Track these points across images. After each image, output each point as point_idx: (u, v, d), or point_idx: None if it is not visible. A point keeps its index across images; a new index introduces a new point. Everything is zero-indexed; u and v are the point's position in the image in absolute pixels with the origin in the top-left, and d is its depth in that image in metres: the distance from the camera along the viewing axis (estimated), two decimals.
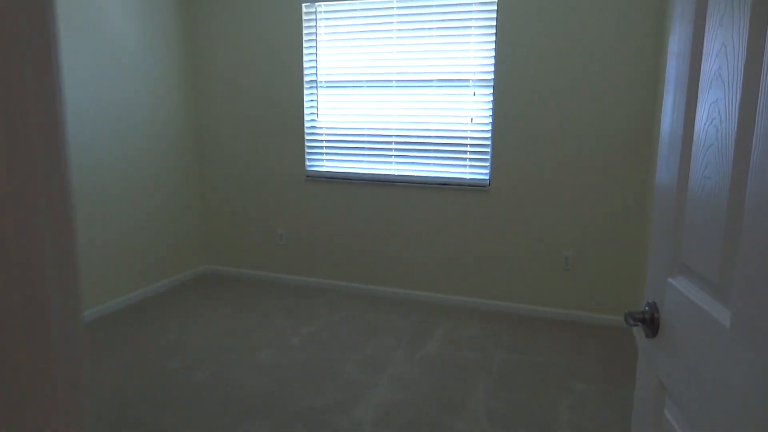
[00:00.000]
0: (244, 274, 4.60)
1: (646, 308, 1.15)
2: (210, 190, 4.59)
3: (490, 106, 3.74)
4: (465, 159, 3.87)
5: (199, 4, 4.31)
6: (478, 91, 3.75)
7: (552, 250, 3.74)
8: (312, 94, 4.17)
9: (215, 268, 4.69)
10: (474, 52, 3.71)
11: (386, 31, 3.88)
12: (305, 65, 4.12)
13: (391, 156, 4.04)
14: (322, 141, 4.21)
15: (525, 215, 3.77)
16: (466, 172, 3.88)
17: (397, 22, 3.85)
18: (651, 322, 1.13)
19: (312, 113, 4.20)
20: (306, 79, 4.14)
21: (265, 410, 2.59)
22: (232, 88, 4.35)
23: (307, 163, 4.27)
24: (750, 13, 0.77)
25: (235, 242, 4.60)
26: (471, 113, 3.80)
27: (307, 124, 4.21)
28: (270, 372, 2.96)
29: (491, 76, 3.70)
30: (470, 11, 3.67)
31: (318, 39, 4.07)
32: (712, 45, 0.91)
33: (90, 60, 3.50)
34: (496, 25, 3.61)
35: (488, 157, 3.80)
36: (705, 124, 0.92)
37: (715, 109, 0.88)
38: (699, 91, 0.96)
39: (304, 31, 4.08)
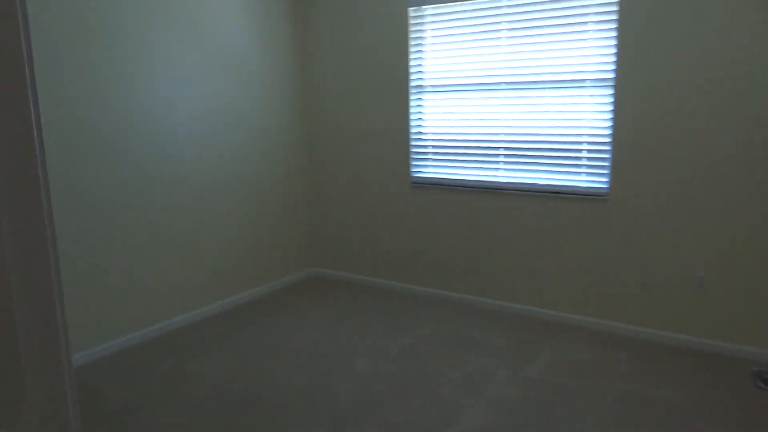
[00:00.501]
0: (349, 278, 4.64)
1: None
2: (318, 195, 4.69)
3: (610, 108, 3.40)
4: (580, 166, 3.56)
5: (308, 12, 4.42)
6: (596, 91, 3.43)
7: (681, 269, 3.31)
8: (418, 99, 4.09)
9: (322, 272, 4.79)
10: (591, 50, 3.40)
11: (495, 31, 3.69)
12: (411, 70, 4.06)
13: (499, 162, 3.84)
14: (427, 146, 4.11)
15: (649, 228, 3.37)
16: (581, 180, 3.57)
17: (507, 22, 3.64)
18: None
19: (418, 118, 4.12)
20: (412, 84, 4.08)
21: (354, 422, 2.55)
22: (340, 93, 4.41)
23: (413, 169, 4.20)
24: None
25: (341, 247, 4.66)
26: (587, 115, 3.49)
27: (412, 130, 4.14)
28: (365, 382, 2.92)
29: (611, 75, 3.37)
30: (587, 5, 3.37)
31: (424, 43, 3.99)
32: None
33: (206, 68, 3.72)
34: (618, 19, 3.27)
35: (607, 163, 3.47)
36: None
37: None
38: None
39: (411, 35, 4.02)
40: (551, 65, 3.53)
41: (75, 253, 3.06)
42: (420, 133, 4.13)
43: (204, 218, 3.80)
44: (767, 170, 3.01)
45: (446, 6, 3.83)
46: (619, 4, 3.26)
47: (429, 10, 3.91)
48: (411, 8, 3.96)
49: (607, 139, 3.44)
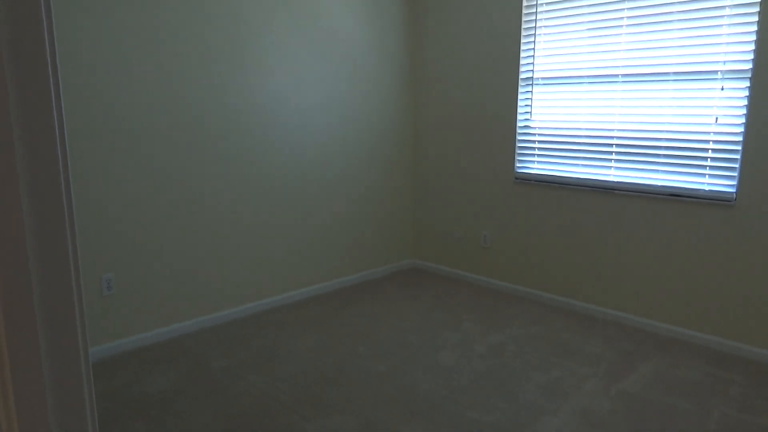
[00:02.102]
0: (447, 272, 4.62)
1: None
2: (422, 188, 4.72)
3: (744, 102, 3.03)
4: (704, 167, 3.22)
5: (421, 3, 4.43)
6: (728, 84, 3.07)
7: None
8: (527, 92, 3.94)
9: (421, 264, 4.82)
10: (726, 37, 3.04)
11: (615, 19, 3.44)
12: (522, 62, 3.92)
13: (611, 160, 3.59)
14: (534, 141, 3.96)
15: None
16: (704, 182, 3.22)
17: (628, 9, 3.37)
18: None
19: (526, 112, 3.98)
20: (522, 76, 3.94)
21: (430, 415, 2.55)
22: (448, 85, 4.38)
23: (517, 164, 4.06)
24: None
25: (441, 240, 4.65)
26: (716, 111, 3.13)
27: (519, 124, 4.00)
28: (446, 376, 2.91)
29: (749, 66, 2.99)
30: None
31: (537, 34, 3.83)
32: None
33: (317, 61, 3.89)
34: (762, 1, 2.89)
35: (736, 165, 3.09)
36: None
37: None
38: None
39: (523, 26, 3.87)
40: (677, 55, 3.22)
41: (199, 235, 3.38)
42: (527, 127, 3.98)
43: (309, 208, 4.00)
44: None
45: None
46: None
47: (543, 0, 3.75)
48: None
49: (739, 138, 3.07)
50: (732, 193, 3.12)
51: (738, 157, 3.08)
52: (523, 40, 3.89)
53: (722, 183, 3.16)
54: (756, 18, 2.93)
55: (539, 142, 3.93)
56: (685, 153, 3.27)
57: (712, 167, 3.19)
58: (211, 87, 3.35)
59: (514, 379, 2.88)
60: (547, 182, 3.89)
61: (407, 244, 4.83)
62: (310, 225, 4.03)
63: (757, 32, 2.92)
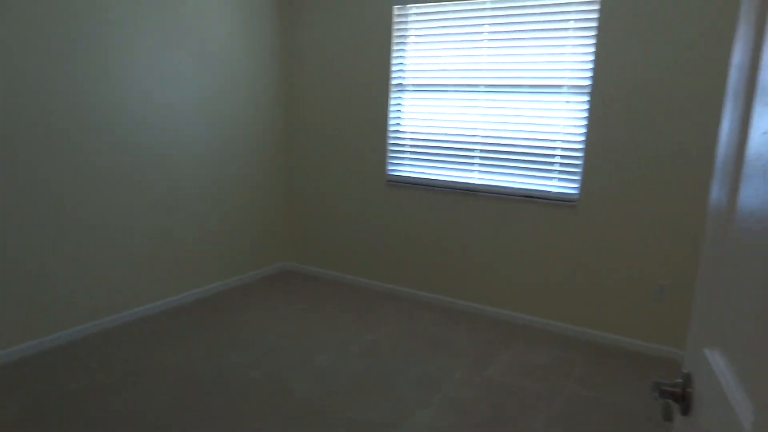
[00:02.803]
0: (321, 274, 4.65)
1: (680, 380, 0.92)
2: (295, 189, 4.69)
3: (585, 114, 3.42)
4: (553, 171, 3.58)
5: (294, 9, 4.40)
6: (573, 98, 3.45)
7: (645, 278, 3.34)
8: (398, 97, 4.09)
9: (295, 266, 4.79)
10: (570, 56, 3.42)
11: (477, 33, 3.70)
12: (392, 68, 4.06)
13: (474, 164, 3.85)
14: (405, 145, 4.12)
15: (616, 236, 3.40)
16: (553, 185, 3.59)
17: (489, 24, 3.65)
18: (682, 399, 0.90)
19: (397, 117, 4.13)
20: (393, 82, 4.08)
21: (309, 419, 2.56)
22: (321, 90, 4.40)
23: (389, 167, 4.20)
24: None
25: (315, 241, 4.66)
26: (562, 122, 3.50)
27: (391, 128, 4.14)
28: (323, 378, 2.93)
29: (588, 83, 3.38)
30: (569, 11, 3.38)
31: (407, 42, 3.99)
32: None
33: (189, 64, 3.70)
34: (598, 27, 3.29)
35: (579, 170, 3.49)
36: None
37: None
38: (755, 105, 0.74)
39: (394, 33, 4.01)
40: (530, 69, 3.55)
41: (50, 237, 3.04)
42: (398, 131, 4.14)
43: (176, 212, 3.79)
44: None
45: (430, 6, 3.83)
46: (599, 11, 3.27)
47: (413, 9, 3.91)
48: (395, 6, 3.96)
49: (581, 146, 3.46)
50: (576, 194, 3.51)
51: (580, 162, 3.47)
52: (393, 48, 4.03)
53: (568, 186, 3.55)
54: (594, 41, 3.32)
55: (410, 146, 4.10)
56: (537, 159, 3.61)
57: (559, 171, 3.56)
58: (67, 83, 3.04)
59: (390, 376, 2.98)
60: (417, 184, 4.07)
61: (281, 246, 4.77)
62: (177, 230, 3.83)
63: (595, 53, 3.32)
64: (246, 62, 4.15)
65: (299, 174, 4.65)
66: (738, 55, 0.84)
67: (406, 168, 4.14)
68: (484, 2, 3.63)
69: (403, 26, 3.99)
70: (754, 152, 0.71)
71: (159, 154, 3.62)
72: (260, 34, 4.24)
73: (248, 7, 4.10)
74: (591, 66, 3.35)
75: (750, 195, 0.71)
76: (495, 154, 3.76)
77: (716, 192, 0.89)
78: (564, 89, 3.47)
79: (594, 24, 3.30)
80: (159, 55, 3.51)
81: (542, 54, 3.50)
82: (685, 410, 0.89)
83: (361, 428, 2.49)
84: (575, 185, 3.52)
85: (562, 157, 3.54)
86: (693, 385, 0.88)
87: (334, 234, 4.54)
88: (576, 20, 3.36)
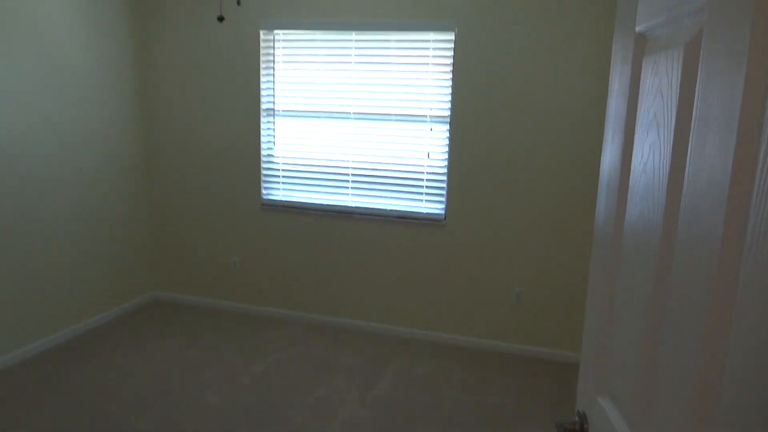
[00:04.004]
0: (196, 302, 4.50)
1: (576, 419, 1.16)
2: (160, 216, 4.47)
3: (446, 142, 3.77)
4: (422, 193, 3.88)
5: (153, 27, 4.19)
6: (435, 126, 3.78)
7: (503, 286, 3.79)
8: (269, 122, 4.11)
9: (165, 296, 4.57)
10: (431, 89, 3.73)
11: (345, 63, 3.86)
12: (262, 93, 4.06)
13: (348, 187, 4.02)
14: (278, 170, 4.15)
15: (478, 251, 3.81)
16: (422, 207, 3.90)
17: (356, 55, 3.83)
18: None
19: (269, 141, 4.14)
20: (263, 107, 4.09)
21: None
22: (186, 111, 4.25)
23: (263, 191, 4.20)
24: (682, 58, 0.77)
25: (186, 268, 4.49)
26: (428, 148, 3.82)
27: (263, 153, 4.15)
28: (216, 415, 2.89)
29: (447, 113, 3.73)
30: (427, 48, 3.69)
31: (276, 67, 4.02)
32: (647, 88, 0.90)
33: (28, 74, 3.36)
34: (453, 63, 3.64)
35: (444, 192, 3.83)
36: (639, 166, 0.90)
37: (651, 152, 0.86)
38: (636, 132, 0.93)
39: (262, 58, 4.02)
40: (396, 99, 3.80)
41: None
42: (271, 156, 4.16)
43: (26, 244, 3.42)
44: (576, 202, 3.58)
45: (297, 33, 3.91)
46: (454, 48, 3.62)
47: (280, 35, 3.96)
48: (262, 31, 3.97)
49: (444, 170, 3.81)
50: (442, 214, 3.86)
51: (445, 185, 3.82)
52: (262, 72, 4.04)
53: (435, 207, 3.87)
54: (450, 76, 3.67)
55: (284, 170, 4.14)
56: (407, 182, 3.89)
57: (427, 193, 3.88)
58: None
59: (285, 405, 3.04)
60: (292, 208, 4.13)
61: (149, 275, 4.51)
62: (31, 264, 3.45)
63: (451, 88, 3.67)
64: (101, 84, 3.86)
65: (165, 200, 4.44)
66: (616, 93, 1.05)
67: (281, 192, 4.18)
68: (350, 32, 3.80)
69: (270, 51, 4.01)
70: (637, 177, 0.91)
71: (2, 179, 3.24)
72: (115, 52, 3.97)
73: (99, 22, 3.82)
74: (449, 98, 3.70)
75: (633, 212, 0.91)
76: (367, 178, 3.96)
77: (602, 209, 1.09)
78: (427, 118, 3.78)
79: (450, 60, 3.65)
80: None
81: (406, 85, 3.77)
82: None
83: None
84: (441, 206, 3.86)
85: (429, 180, 3.86)
86: (589, 422, 1.12)
87: (208, 260, 4.42)
88: (434, 56, 3.69)
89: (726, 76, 0.63)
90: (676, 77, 0.78)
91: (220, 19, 2.35)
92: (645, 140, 0.90)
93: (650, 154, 0.87)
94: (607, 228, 1.06)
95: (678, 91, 0.77)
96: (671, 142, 0.79)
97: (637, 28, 0.96)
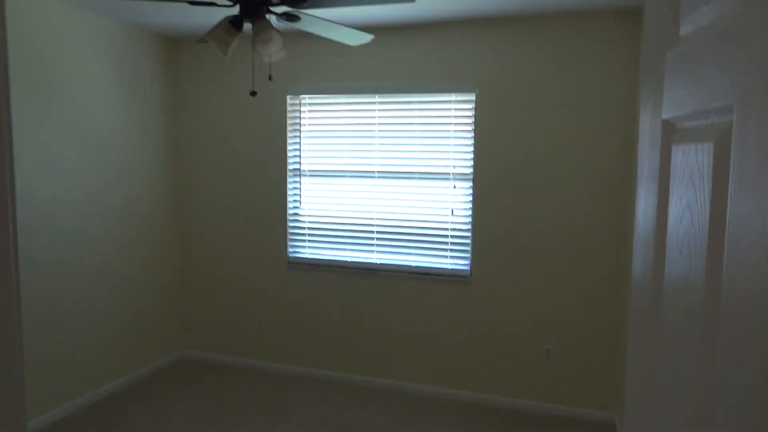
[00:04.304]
0: (224, 361, 4.50)
1: None
2: (189, 276, 4.55)
3: (470, 199, 3.82)
4: (446, 250, 3.91)
5: (184, 92, 4.40)
6: (458, 184, 3.84)
7: (532, 342, 3.74)
8: (295, 182, 4.22)
9: (193, 354, 4.59)
10: (453, 147, 3.82)
11: (369, 124, 3.99)
12: (289, 154, 4.19)
13: (373, 245, 4.07)
14: (304, 228, 4.23)
15: (505, 307, 3.78)
16: (447, 263, 3.91)
17: (379, 116, 3.96)
18: None
19: (295, 200, 4.24)
20: (290, 167, 4.21)
21: None
22: (216, 172, 4.39)
23: (289, 249, 4.27)
24: (713, 155, 0.79)
25: (213, 327, 4.53)
26: (452, 205, 3.87)
27: (290, 211, 4.24)
28: None
29: (470, 171, 3.80)
30: (449, 109, 3.80)
31: (302, 130, 4.17)
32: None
33: (71, 147, 3.53)
34: (475, 122, 3.74)
35: (468, 248, 3.85)
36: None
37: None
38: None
39: (288, 121, 4.17)
40: (420, 158, 3.89)
41: None
42: (297, 214, 4.25)
43: (57, 304, 3.50)
44: (603, 258, 3.57)
45: (322, 97, 4.06)
46: (475, 110, 3.72)
47: (306, 99, 4.12)
48: (289, 96, 4.14)
49: (468, 227, 3.84)
50: (467, 270, 3.86)
51: (469, 241, 3.85)
52: (289, 135, 4.18)
53: (460, 263, 3.89)
54: (472, 137, 3.76)
55: (309, 228, 4.22)
56: (431, 239, 3.93)
57: (452, 250, 3.90)
58: None
59: None
60: (318, 265, 4.18)
61: (177, 334, 4.55)
62: (55, 333, 3.52)
63: (474, 146, 3.75)
64: (135, 150, 4.03)
65: (196, 259, 4.53)
66: (646, 178, 1.09)
67: (306, 249, 4.24)
68: (373, 96, 3.94)
69: (296, 114, 4.17)
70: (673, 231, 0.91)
71: (27, 248, 3.36)
72: (148, 118, 4.16)
73: (133, 92, 4.02)
74: (471, 156, 3.78)
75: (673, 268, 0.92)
76: (392, 235, 4.01)
77: (639, 267, 1.09)
78: (450, 176, 3.85)
79: (471, 119, 3.75)
80: (39, 144, 3.31)
81: (429, 145, 3.87)
82: None
83: None
84: (467, 262, 3.87)
85: (453, 237, 3.89)
86: None
87: (235, 318, 4.46)
88: (456, 116, 3.79)
89: (760, 183, 0.66)
90: (708, 173, 0.82)
91: (253, 93, 2.47)
92: (678, 228, 0.92)
93: (684, 239, 0.89)
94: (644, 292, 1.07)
95: (710, 188, 0.80)
96: (706, 236, 0.81)
97: (664, 116, 1.01)
